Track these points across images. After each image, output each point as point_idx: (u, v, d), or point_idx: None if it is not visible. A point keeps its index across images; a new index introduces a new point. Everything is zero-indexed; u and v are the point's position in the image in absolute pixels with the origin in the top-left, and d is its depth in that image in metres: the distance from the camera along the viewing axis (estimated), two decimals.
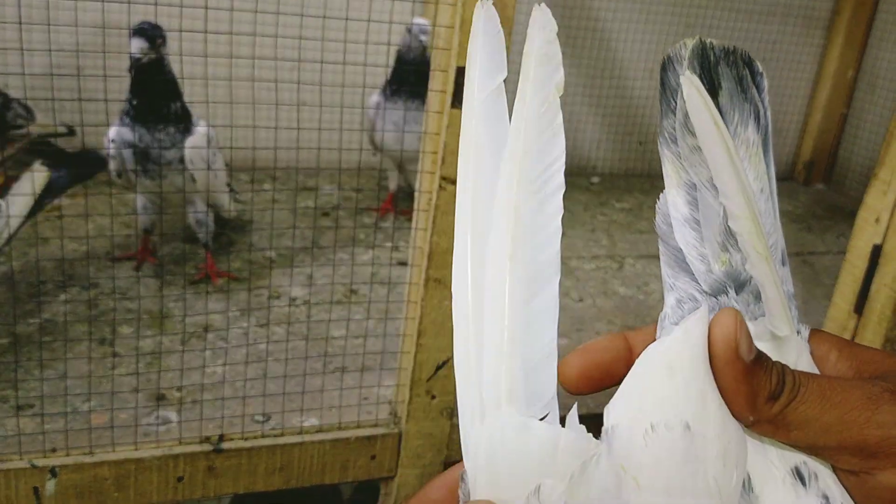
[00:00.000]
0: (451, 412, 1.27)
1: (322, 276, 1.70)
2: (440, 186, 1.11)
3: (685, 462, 0.34)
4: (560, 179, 0.36)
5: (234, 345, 1.43)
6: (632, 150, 2.70)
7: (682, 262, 0.41)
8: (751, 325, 0.37)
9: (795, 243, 2.31)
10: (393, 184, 2.07)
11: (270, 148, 1.19)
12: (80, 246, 1.69)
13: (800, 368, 0.37)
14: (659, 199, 0.42)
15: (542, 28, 0.34)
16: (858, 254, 1.42)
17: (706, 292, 0.40)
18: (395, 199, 2.07)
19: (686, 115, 0.39)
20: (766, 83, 0.42)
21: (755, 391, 0.35)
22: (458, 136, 1.22)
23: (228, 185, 1.74)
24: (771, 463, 0.36)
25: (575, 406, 0.35)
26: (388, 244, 1.85)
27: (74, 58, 1.11)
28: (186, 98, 1.55)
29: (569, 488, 0.34)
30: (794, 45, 2.74)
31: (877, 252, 1.38)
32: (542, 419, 0.35)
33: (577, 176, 2.64)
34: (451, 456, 1.31)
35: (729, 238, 0.40)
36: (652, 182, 2.67)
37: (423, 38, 1.83)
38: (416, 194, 1.16)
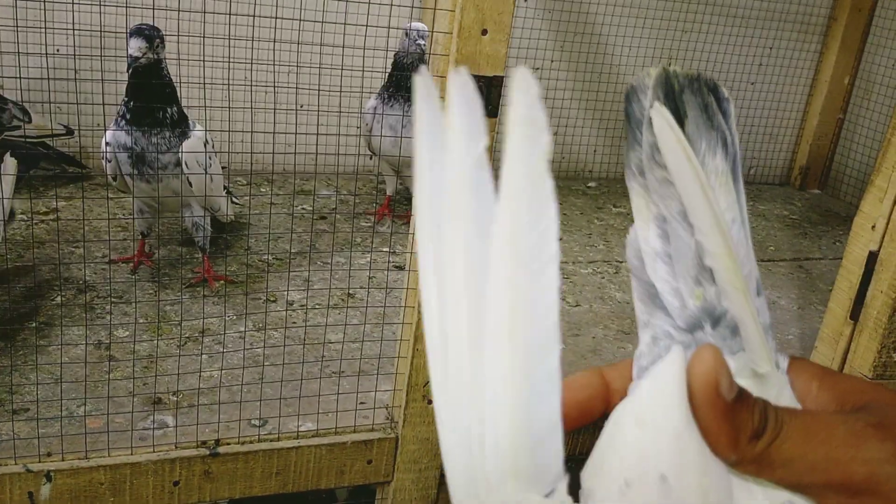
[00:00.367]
0: None
1: (319, 280, 1.70)
2: None
3: None
4: (554, 248, 0.34)
5: (231, 349, 1.43)
6: None
7: (655, 297, 0.41)
8: (730, 361, 0.37)
9: (791, 249, 2.32)
10: (390, 188, 2.07)
11: (268, 152, 1.19)
12: (77, 249, 1.68)
13: (781, 404, 0.36)
14: (629, 233, 0.41)
15: (525, 91, 0.33)
16: (854, 260, 1.42)
17: (681, 328, 0.40)
18: (392, 203, 2.07)
19: (654, 148, 0.39)
20: (732, 109, 0.41)
21: (737, 430, 0.34)
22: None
23: (226, 188, 1.74)
24: (758, 503, 0.36)
25: (567, 477, 0.34)
26: (385, 248, 1.85)
27: (71, 60, 1.11)
28: (183, 101, 1.55)
29: None
30: (791, 50, 2.75)
31: (872, 258, 1.38)
32: (547, 496, 0.34)
33: (574, 180, 2.64)
34: None
35: (702, 272, 0.39)
36: None
37: (420, 42, 1.83)
38: (413, 199, 1.16)
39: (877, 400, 0.37)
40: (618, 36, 2.53)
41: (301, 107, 1.21)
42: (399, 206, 2.09)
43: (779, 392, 0.38)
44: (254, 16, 1.08)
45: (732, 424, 0.34)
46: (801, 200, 2.78)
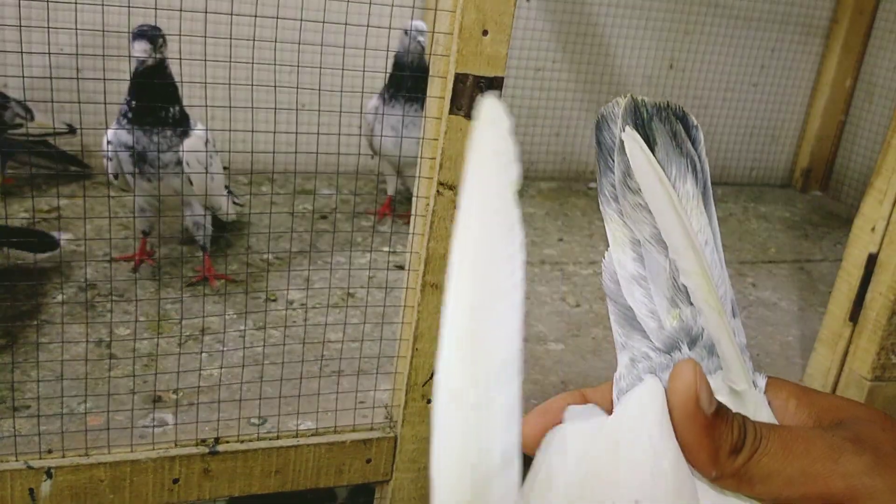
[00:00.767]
0: None
1: (319, 280, 1.70)
2: (438, 192, 1.11)
3: None
4: (519, 276, 0.33)
5: (231, 347, 1.43)
6: None
7: (632, 319, 0.41)
8: (709, 379, 0.37)
9: (792, 250, 2.32)
10: (391, 188, 2.07)
11: (269, 151, 1.20)
12: (78, 247, 1.69)
13: (760, 420, 0.37)
14: (605, 257, 0.42)
15: (494, 123, 0.33)
16: (854, 262, 1.42)
17: (659, 349, 0.40)
18: (393, 202, 2.07)
19: (626, 173, 0.39)
20: (701, 136, 0.42)
21: (717, 445, 0.34)
22: (457, 141, 1.22)
23: (227, 187, 1.74)
24: None
25: None
26: (386, 248, 1.85)
27: (74, 59, 1.11)
28: (185, 101, 1.56)
29: None
30: (793, 52, 2.75)
31: (872, 261, 1.38)
32: None
33: (576, 181, 2.65)
34: None
35: (678, 293, 0.40)
36: None
37: (420, 39, 1.83)
38: (414, 199, 1.17)
39: (853, 416, 0.37)
40: (619, 37, 2.53)
41: (303, 106, 1.21)
42: (400, 206, 2.09)
43: (756, 409, 0.39)
44: (255, 16, 1.09)
45: (712, 439, 0.34)
46: (803, 202, 2.78)
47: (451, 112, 1.07)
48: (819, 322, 1.56)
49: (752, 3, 2.64)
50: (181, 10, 1.06)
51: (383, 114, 1.87)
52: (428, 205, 1.13)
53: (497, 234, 0.33)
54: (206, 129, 1.58)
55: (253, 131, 1.17)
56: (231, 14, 1.10)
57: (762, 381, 0.40)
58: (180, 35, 1.12)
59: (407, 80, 1.84)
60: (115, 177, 1.57)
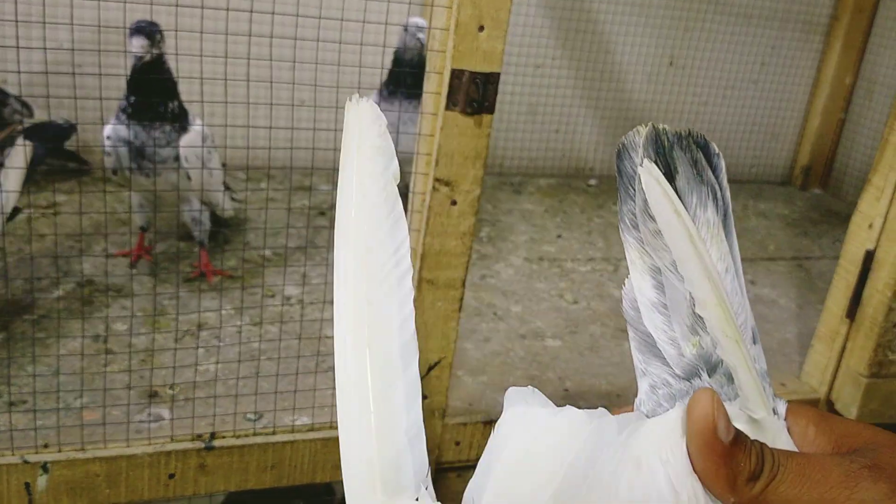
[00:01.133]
0: (443, 412, 1.27)
1: (316, 276, 1.70)
2: (434, 188, 1.11)
3: None
4: (407, 263, 0.37)
5: (228, 343, 1.43)
6: None
7: (652, 346, 0.42)
8: (727, 407, 0.37)
9: (791, 248, 2.32)
10: None
11: (266, 147, 1.20)
12: (76, 242, 1.69)
13: (778, 447, 0.37)
14: (625, 284, 0.42)
15: (372, 122, 0.37)
16: (851, 259, 1.42)
17: (679, 376, 0.41)
18: None
19: (646, 201, 0.40)
20: (723, 164, 0.42)
21: (735, 472, 0.35)
22: (453, 138, 1.22)
23: (225, 183, 1.74)
24: None
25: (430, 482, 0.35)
26: None
27: (72, 55, 1.11)
28: (183, 96, 1.56)
29: None
30: (793, 49, 2.75)
31: (869, 257, 1.38)
32: (417, 500, 0.35)
33: (575, 178, 2.65)
34: (441, 456, 1.31)
35: (698, 320, 0.40)
36: None
37: (419, 35, 1.83)
38: (410, 195, 1.17)
39: (872, 442, 0.38)
40: (619, 34, 2.52)
41: (301, 102, 1.21)
42: None
43: (774, 436, 0.39)
44: (251, 11, 1.09)
45: (730, 466, 0.35)
46: (803, 200, 2.78)
47: (447, 108, 1.07)
48: (817, 319, 1.56)
49: None
50: (177, 6, 1.06)
51: (382, 110, 1.87)
52: (424, 201, 1.13)
53: (385, 225, 0.36)
54: (204, 125, 1.58)
55: (249, 126, 1.17)
56: (227, 10, 1.10)
57: (782, 408, 0.41)
58: (176, 31, 1.12)
59: (406, 77, 1.84)
60: (114, 172, 1.57)
